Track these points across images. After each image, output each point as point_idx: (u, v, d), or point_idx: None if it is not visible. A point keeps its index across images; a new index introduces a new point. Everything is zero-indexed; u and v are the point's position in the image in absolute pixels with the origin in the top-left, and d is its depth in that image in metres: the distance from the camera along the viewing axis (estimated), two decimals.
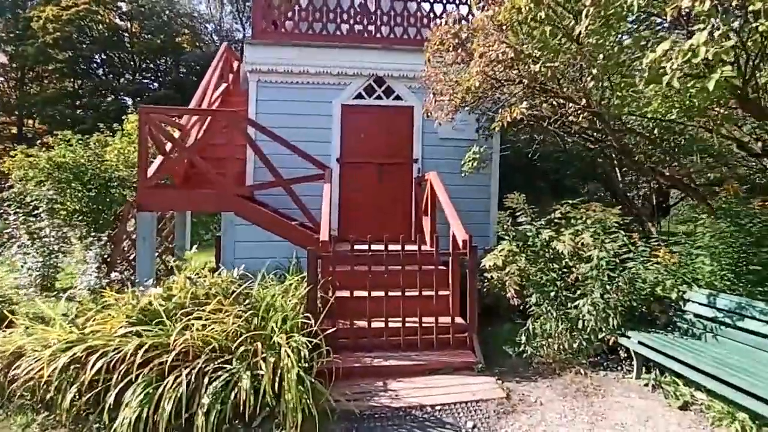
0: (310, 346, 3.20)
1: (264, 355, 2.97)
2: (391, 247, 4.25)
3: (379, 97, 6.52)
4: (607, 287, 3.78)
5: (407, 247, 4.40)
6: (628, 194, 6.47)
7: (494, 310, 5.28)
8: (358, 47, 6.31)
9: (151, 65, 28.00)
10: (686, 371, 3.18)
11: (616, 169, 5.93)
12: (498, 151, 6.46)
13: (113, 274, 4.65)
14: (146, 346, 2.99)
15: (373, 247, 4.22)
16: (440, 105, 3.92)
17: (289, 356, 2.89)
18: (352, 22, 6.43)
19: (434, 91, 3.76)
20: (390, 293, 4.13)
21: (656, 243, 4.26)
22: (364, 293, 4.08)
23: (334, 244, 5.12)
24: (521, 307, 5.05)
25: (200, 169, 5.35)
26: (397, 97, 6.54)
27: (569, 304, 4.03)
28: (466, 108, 3.96)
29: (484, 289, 4.97)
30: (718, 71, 2.58)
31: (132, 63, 27.17)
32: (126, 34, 26.94)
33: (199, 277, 3.79)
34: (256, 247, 5.26)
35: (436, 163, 6.45)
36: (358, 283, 4.16)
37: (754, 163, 4.78)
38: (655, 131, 4.52)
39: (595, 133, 5.44)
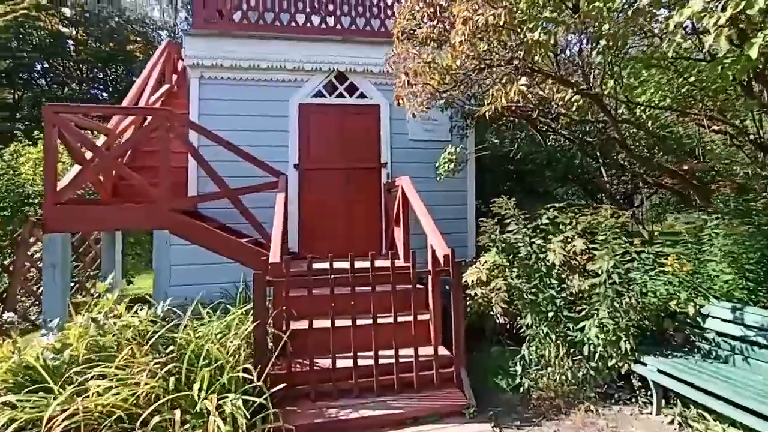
0: (254, 406, 2.42)
1: (186, 427, 2.17)
2: (358, 264, 3.53)
3: (341, 95, 5.82)
4: (616, 304, 3.19)
5: (378, 264, 3.70)
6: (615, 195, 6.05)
7: (479, 331, 4.64)
8: (316, 39, 5.61)
9: (100, 74, 26.20)
10: (716, 404, 2.62)
11: (602, 168, 5.46)
12: (473, 152, 5.88)
13: (6, 314, 3.68)
14: (17, 424, 2.13)
15: (339, 264, 3.49)
16: (414, 91, 3.26)
17: (219, 429, 2.10)
18: (308, 11, 5.73)
19: (406, 71, 3.11)
20: (358, 321, 3.39)
21: (659, 249, 3.74)
22: (327, 323, 3.33)
23: (291, 264, 4.32)
24: (510, 327, 4.45)
25: (128, 180, 4.46)
26: (362, 95, 5.87)
27: (571, 326, 3.42)
28: (444, 95, 3.32)
29: (467, 308, 4.36)
30: (759, 35, 2.05)
31: (78, 72, 25.37)
32: (71, 42, 25.22)
33: (111, 317, 2.92)
34: (198, 272, 4.41)
35: (407, 167, 5.79)
36: (319, 310, 3.40)
37: (749, 161, 4.38)
38: (648, 124, 4.06)
39: (586, 127, 4.96)
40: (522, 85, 2.34)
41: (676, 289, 3.36)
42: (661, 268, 3.52)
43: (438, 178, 5.19)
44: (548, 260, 3.88)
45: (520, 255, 4.00)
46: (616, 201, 5.63)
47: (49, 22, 23.97)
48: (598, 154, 5.17)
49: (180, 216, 4.34)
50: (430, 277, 3.69)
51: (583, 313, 3.40)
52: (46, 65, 24.50)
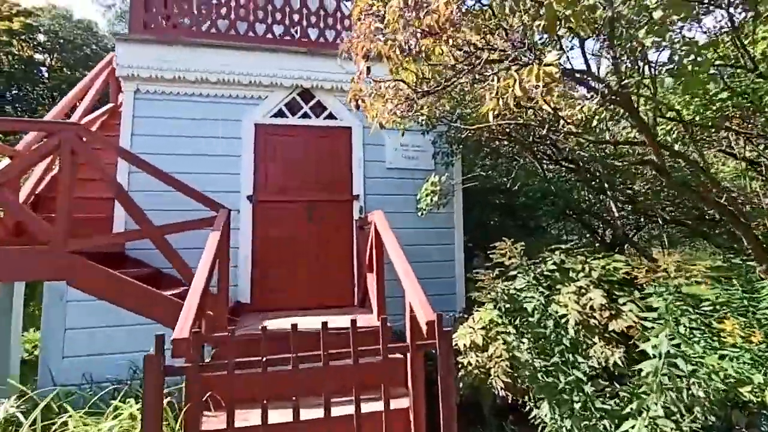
0: None
1: None
2: (310, 320, 2.54)
3: (306, 116, 4.97)
4: (673, 395, 2.25)
5: (340, 322, 2.72)
6: (628, 234, 5.22)
7: (474, 408, 3.63)
8: (277, 50, 4.80)
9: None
10: None
11: (610, 201, 4.66)
12: (461, 182, 5.03)
13: None
14: None
15: (296, 321, 2.47)
16: (381, 92, 2.37)
17: None
18: (270, 21, 4.96)
19: (366, 53, 2.20)
20: (304, 412, 2.36)
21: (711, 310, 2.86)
22: (257, 418, 2.29)
23: (237, 320, 3.29)
24: (514, 403, 3.47)
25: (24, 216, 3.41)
26: (331, 116, 5.03)
27: (607, 424, 2.44)
28: (424, 102, 2.46)
29: (459, 380, 3.39)
30: None
31: (50, 98, 24.39)
32: (44, 68, 24.42)
33: None
34: (104, 338, 3.34)
35: (384, 199, 4.92)
36: (248, 393, 2.38)
37: None
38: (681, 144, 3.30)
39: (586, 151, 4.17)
40: (550, 66, 1.53)
41: (744, 368, 2.45)
42: (715, 337, 2.63)
43: (420, 213, 4.29)
44: (561, 319, 2.97)
45: (523, 309, 3.08)
46: (633, 242, 4.80)
47: (21, 47, 23.15)
48: (606, 185, 4.37)
49: (80, 260, 3.29)
50: (409, 353, 2.69)
51: (622, 402, 2.44)
52: (17, 92, 23.55)
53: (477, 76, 2.09)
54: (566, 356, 2.67)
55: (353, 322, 2.53)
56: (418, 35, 1.82)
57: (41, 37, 23.83)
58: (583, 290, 3.43)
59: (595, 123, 2.84)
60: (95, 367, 3.01)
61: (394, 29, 1.93)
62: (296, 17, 5.03)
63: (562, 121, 3.09)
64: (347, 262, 4.86)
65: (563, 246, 3.94)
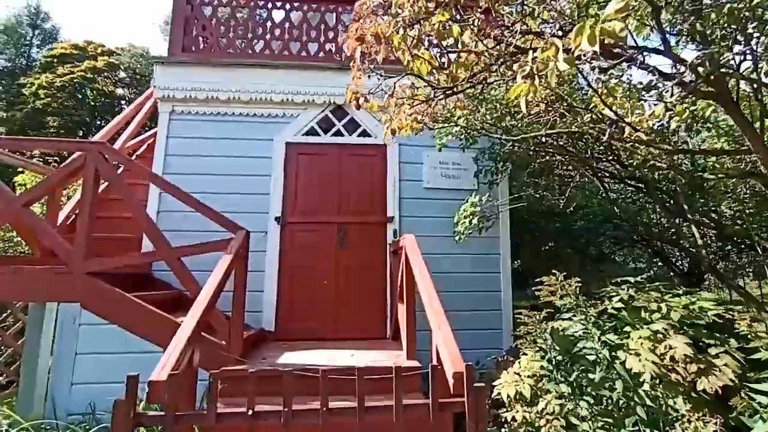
0: None
1: None
2: (337, 355, 2.14)
3: (338, 133, 4.72)
4: None
5: (370, 357, 2.30)
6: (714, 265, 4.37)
7: None
8: (310, 67, 4.63)
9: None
10: None
11: (690, 225, 3.90)
12: (507, 203, 4.49)
13: None
14: None
15: (325, 354, 2.09)
16: (398, 92, 1.96)
17: None
18: (305, 39, 4.83)
19: (360, 35, 1.78)
20: None
21: None
22: None
23: (256, 351, 2.99)
24: None
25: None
26: (364, 133, 4.74)
27: None
28: (457, 102, 2.02)
29: None
30: None
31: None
32: (123, 102, 26.91)
33: None
34: (114, 365, 3.15)
35: (420, 222, 4.51)
36: None
37: None
38: None
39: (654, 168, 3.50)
40: (612, 21, 1.07)
41: None
42: None
43: (457, 238, 3.81)
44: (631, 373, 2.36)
45: (584, 367, 2.49)
46: (714, 269, 3.96)
47: (103, 83, 25.65)
48: (685, 206, 3.64)
49: (95, 282, 3.16)
50: (430, 406, 2.20)
51: None
52: (100, 123, 26.08)
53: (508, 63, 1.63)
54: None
55: (397, 370, 2.06)
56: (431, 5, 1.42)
57: (122, 74, 26.37)
58: (660, 336, 2.79)
59: (673, 126, 2.27)
60: (102, 396, 2.82)
61: (398, 3, 1.56)
62: (331, 34, 4.87)
63: (627, 130, 2.54)
64: (379, 290, 4.45)
65: (632, 279, 3.28)
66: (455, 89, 1.86)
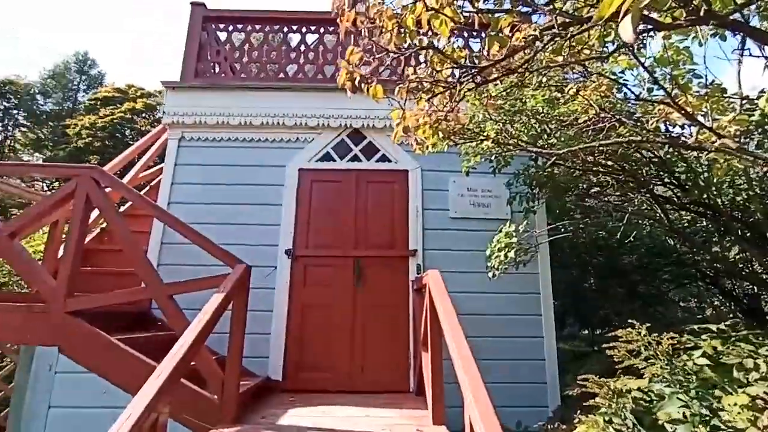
0: None
1: None
2: (353, 413, 1.64)
3: (356, 158, 4.34)
4: None
5: (388, 416, 1.75)
6: None
7: None
8: (325, 89, 4.34)
9: None
10: None
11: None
12: (546, 234, 3.92)
13: None
14: None
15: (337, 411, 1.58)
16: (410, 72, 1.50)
17: None
18: (320, 62, 4.58)
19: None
20: None
21: None
22: None
23: (259, 405, 2.49)
24: None
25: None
26: (384, 158, 4.35)
27: None
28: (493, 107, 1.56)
29: None
30: None
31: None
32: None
33: None
34: (93, 420, 2.70)
35: (447, 256, 4.00)
36: None
37: None
38: None
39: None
40: None
41: None
42: None
43: (491, 274, 3.26)
44: None
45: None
46: None
47: (143, 123, 26.94)
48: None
49: (75, 323, 2.78)
50: None
51: None
52: (136, 160, 27.20)
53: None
54: None
55: None
56: None
57: (159, 114, 27.67)
58: (760, 403, 2.14)
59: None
60: None
61: None
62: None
63: (704, 136, 2.01)
64: (401, 334, 3.90)
65: (713, 326, 2.64)
66: (487, 73, 1.41)
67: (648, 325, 2.16)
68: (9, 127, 28.33)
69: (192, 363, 2.43)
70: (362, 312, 3.96)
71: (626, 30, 0.63)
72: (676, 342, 2.27)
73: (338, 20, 1.43)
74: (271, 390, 3.68)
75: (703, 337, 2.55)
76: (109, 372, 2.78)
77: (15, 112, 28.33)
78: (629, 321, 2.14)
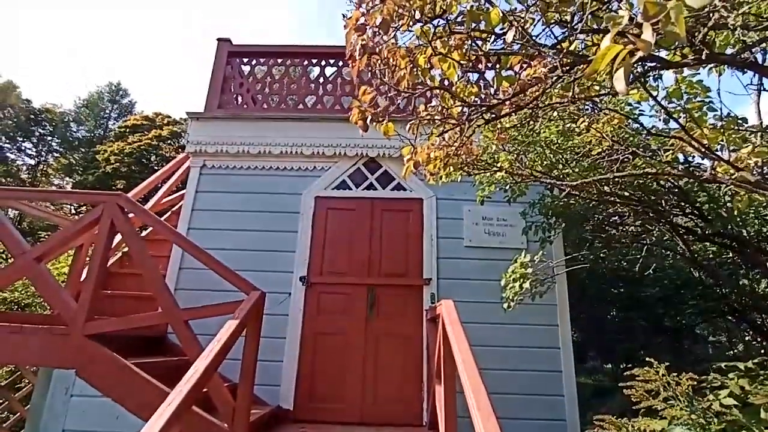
0: None
1: None
2: None
3: (371, 187, 4.40)
4: None
5: None
6: None
7: None
8: (342, 119, 4.46)
9: None
10: None
11: None
12: (564, 264, 3.85)
13: None
14: None
15: None
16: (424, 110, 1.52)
17: None
18: (338, 93, 4.73)
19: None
20: None
21: None
22: None
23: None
24: None
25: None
26: (399, 187, 4.39)
27: None
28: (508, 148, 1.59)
29: None
30: None
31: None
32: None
33: None
34: None
35: (461, 285, 3.96)
36: None
37: None
38: None
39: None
40: None
41: None
42: None
43: (506, 305, 3.21)
44: None
45: None
46: None
47: (168, 150, 27.89)
48: None
49: (94, 347, 2.83)
50: None
51: None
52: (159, 185, 28.08)
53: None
54: None
55: None
56: None
57: (183, 141, 28.72)
58: None
59: None
60: None
61: None
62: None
63: (721, 168, 1.99)
64: (414, 364, 3.83)
65: (740, 364, 2.53)
66: (498, 109, 1.44)
67: (667, 363, 2.08)
68: (43, 153, 29.74)
69: (204, 389, 2.43)
70: (375, 341, 3.92)
71: (620, 83, 0.65)
72: (696, 383, 2.16)
73: (351, 66, 1.50)
74: (282, 419, 3.63)
75: (730, 375, 2.44)
76: (125, 397, 2.79)
77: (50, 138, 29.80)
78: (647, 359, 2.06)
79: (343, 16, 1.39)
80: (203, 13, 57.56)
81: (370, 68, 1.53)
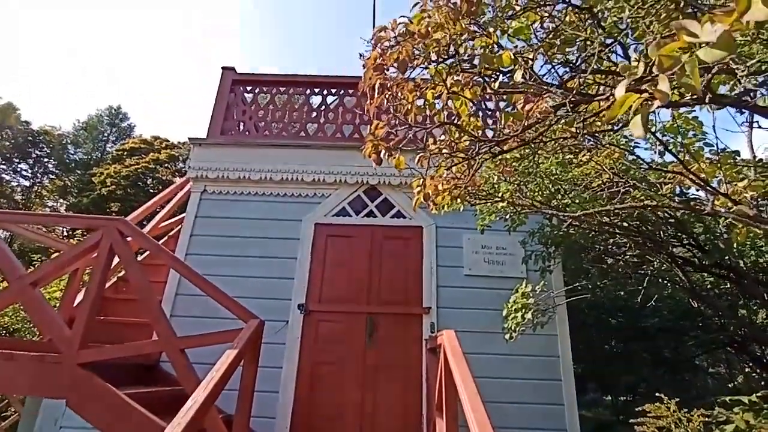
0: None
1: None
2: None
3: (371, 214, 4.42)
4: None
5: None
6: None
7: None
8: (343, 147, 4.52)
9: None
10: None
11: None
12: (564, 294, 3.84)
13: None
14: None
15: None
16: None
17: None
18: (339, 121, 4.81)
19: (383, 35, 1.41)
20: None
21: None
22: None
23: None
24: None
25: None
26: (399, 214, 4.42)
27: None
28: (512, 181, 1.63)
29: None
30: None
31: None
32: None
33: None
34: None
35: (461, 315, 3.93)
36: None
37: None
38: None
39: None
40: None
41: None
42: None
43: (507, 336, 3.18)
44: None
45: None
46: None
47: (164, 173, 27.93)
48: None
49: (87, 376, 2.75)
50: None
51: None
52: (157, 210, 27.99)
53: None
54: None
55: None
56: None
57: (180, 164, 28.80)
58: None
59: None
60: None
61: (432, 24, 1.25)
62: (367, 117, 4.83)
63: (720, 201, 2.03)
64: (413, 397, 3.75)
65: (744, 398, 2.50)
66: (505, 145, 1.48)
67: (677, 399, 2.05)
68: (38, 174, 29.69)
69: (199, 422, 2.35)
70: (373, 371, 3.85)
71: (638, 129, 0.68)
72: (707, 418, 2.13)
73: (366, 107, 1.55)
74: None
75: (735, 410, 2.41)
76: (112, 429, 2.70)
77: (46, 160, 29.82)
78: (656, 394, 2.04)
79: (361, 55, 1.46)
80: (203, 13, 58.36)
81: (382, 106, 1.57)
